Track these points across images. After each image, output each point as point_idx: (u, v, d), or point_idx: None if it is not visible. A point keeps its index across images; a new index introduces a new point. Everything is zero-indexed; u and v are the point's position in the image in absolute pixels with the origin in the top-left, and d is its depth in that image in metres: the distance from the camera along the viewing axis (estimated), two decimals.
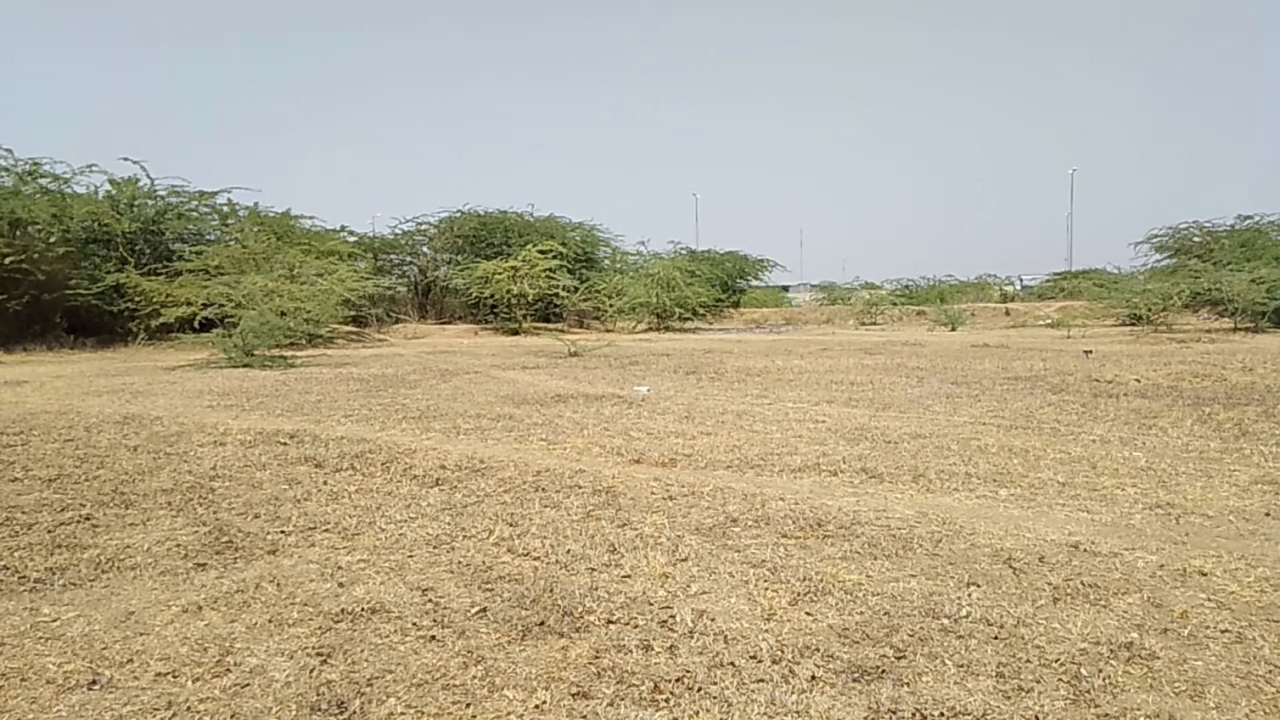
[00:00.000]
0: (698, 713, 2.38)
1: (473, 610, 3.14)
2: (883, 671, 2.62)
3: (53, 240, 17.99)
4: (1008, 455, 5.93)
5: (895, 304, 35.89)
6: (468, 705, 2.44)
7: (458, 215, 29.41)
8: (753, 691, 2.49)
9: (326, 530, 4.19)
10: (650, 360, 14.22)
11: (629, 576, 3.49)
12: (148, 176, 20.26)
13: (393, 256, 29.02)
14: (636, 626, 2.98)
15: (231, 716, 2.39)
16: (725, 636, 2.88)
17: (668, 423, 7.41)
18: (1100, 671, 2.62)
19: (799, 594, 3.28)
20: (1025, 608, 3.13)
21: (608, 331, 26.34)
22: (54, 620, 3.07)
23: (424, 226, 29.44)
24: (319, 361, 14.30)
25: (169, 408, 8.33)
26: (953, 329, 26.63)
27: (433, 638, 2.90)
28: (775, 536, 4.02)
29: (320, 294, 17.53)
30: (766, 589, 3.33)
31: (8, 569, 3.63)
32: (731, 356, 14.91)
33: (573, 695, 2.48)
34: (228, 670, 2.66)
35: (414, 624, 3.01)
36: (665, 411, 8.09)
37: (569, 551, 3.82)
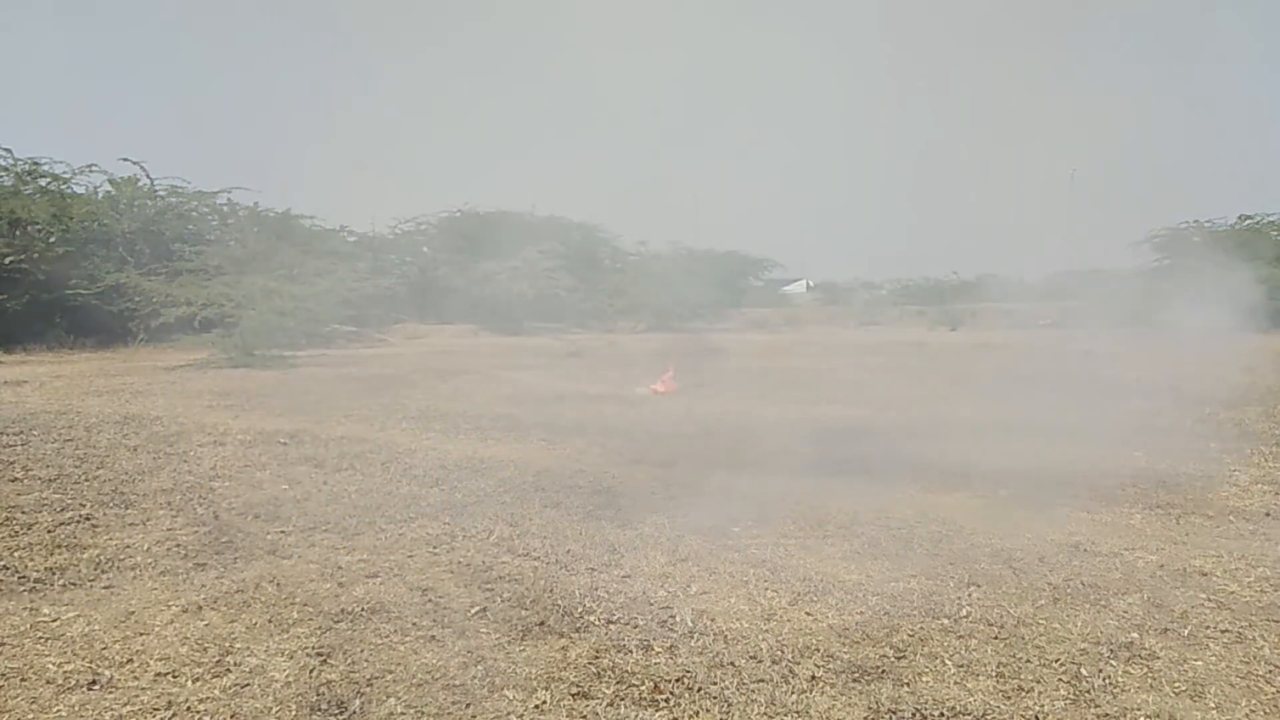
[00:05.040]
0: (698, 713, 2.38)
1: (473, 610, 3.14)
2: (883, 671, 2.62)
3: (53, 240, 17.97)
4: (1008, 455, 5.93)
5: (895, 304, 35.90)
6: (468, 705, 2.44)
7: (458, 215, 29.40)
8: (753, 691, 2.49)
9: (326, 530, 4.19)
10: (651, 360, 14.21)
11: (629, 576, 3.49)
12: (147, 176, 20.24)
13: (392, 256, 28.99)
14: (636, 626, 2.98)
15: (231, 716, 2.39)
16: (725, 636, 2.88)
17: (668, 423, 7.41)
18: (1100, 671, 2.62)
19: (799, 594, 3.28)
20: (1025, 608, 3.13)
21: (608, 332, 26.34)
22: (54, 620, 3.07)
23: (424, 226, 29.43)
24: (319, 361, 14.28)
25: (169, 408, 8.32)
26: (953, 329, 26.63)
27: (433, 638, 2.90)
28: (775, 536, 4.02)
29: (320, 294, 17.51)
30: (766, 589, 3.33)
31: (8, 569, 3.63)
32: (732, 356, 14.91)
33: (573, 695, 2.48)
34: (228, 670, 2.66)
35: (414, 624, 3.01)
36: (666, 411, 8.09)
37: (569, 551, 3.82)
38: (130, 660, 2.74)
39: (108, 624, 3.03)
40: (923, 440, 6.49)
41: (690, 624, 2.98)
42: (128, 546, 3.94)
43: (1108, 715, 2.37)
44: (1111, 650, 2.76)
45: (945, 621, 3.00)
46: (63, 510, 4.54)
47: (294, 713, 2.40)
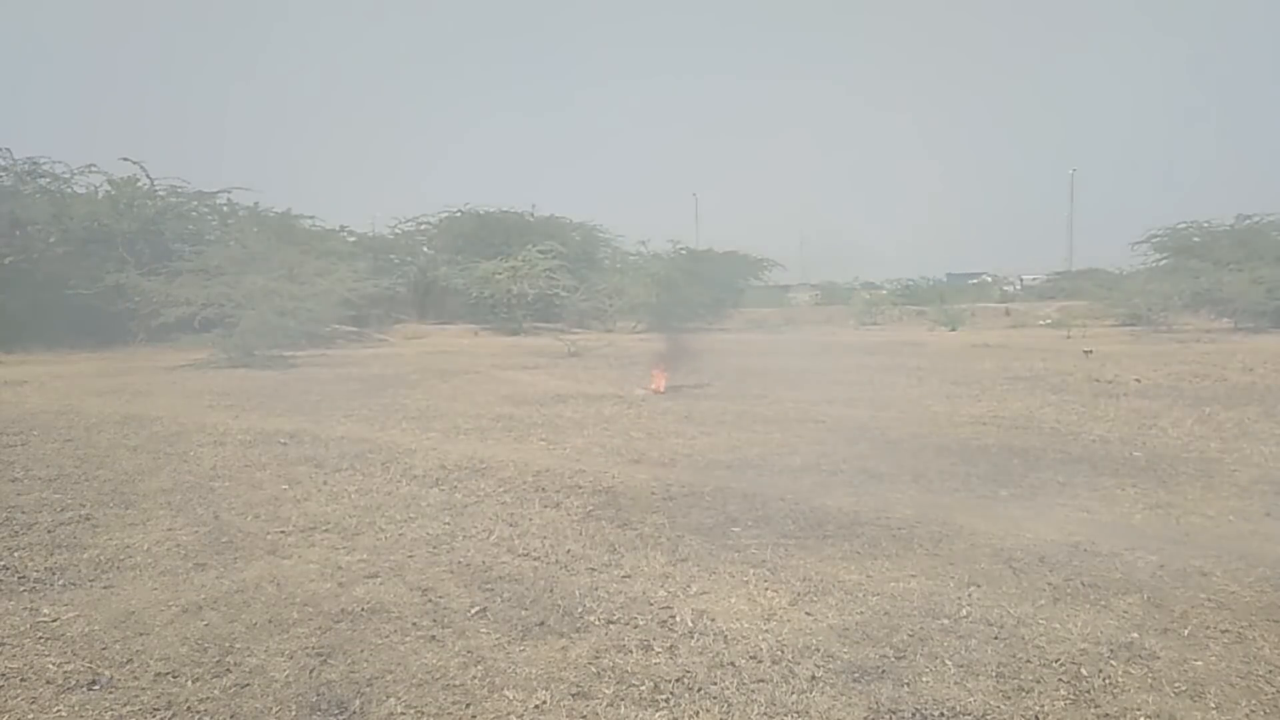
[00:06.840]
0: (698, 713, 2.38)
1: (473, 610, 3.14)
2: (883, 671, 2.62)
3: (53, 240, 17.96)
4: (1008, 455, 5.93)
5: (895, 304, 35.87)
6: (468, 705, 2.44)
7: (458, 215, 29.40)
8: (753, 691, 2.49)
9: (326, 530, 4.19)
10: (651, 360, 14.20)
11: (629, 576, 3.49)
12: (147, 177, 20.21)
13: (393, 256, 28.98)
14: (636, 626, 2.98)
15: (231, 716, 2.39)
16: (725, 636, 2.88)
17: (668, 423, 7.40)
18: (1100, 671, 2.62)
19: (799, 594, 3.28)
20: (1025, 608, 3.12)
21: (608, 331, 26.34)
22: (54, 620, 3.07)
23: (424, 226, 29.44)
24: (319, 361, 14.28)
25: (169, 408, 8.32)
26: (953, 329, 26.60)
27: (433, 638, 2.90)
28: (775, 536, 4.02)
29: (320, 294, 17.50)
30: (766, 589, 3.33)
31: (8, 569, 3.63)
32: (732, 356, 14.91)
33: (573, 695, 2.48)
34: (228, 670, 2.66)
35: (414, 624, 3.01)
36: (665, 411, 8.09)
37: (569, 551, 3.82)
38: (130, 660, 2.74)
39: (108, 624, 3.03)
40: (925, 440, 6.49)
41: (690, 624, 2.98)
42: (128, 546, 3.94)
43: (1108, 715, 2.37)
44: (1111, 650, 2.76)
45: (945, 621, 3.00)
46: (63, 510, 4.54)
47: (294, 713, 2.40)
